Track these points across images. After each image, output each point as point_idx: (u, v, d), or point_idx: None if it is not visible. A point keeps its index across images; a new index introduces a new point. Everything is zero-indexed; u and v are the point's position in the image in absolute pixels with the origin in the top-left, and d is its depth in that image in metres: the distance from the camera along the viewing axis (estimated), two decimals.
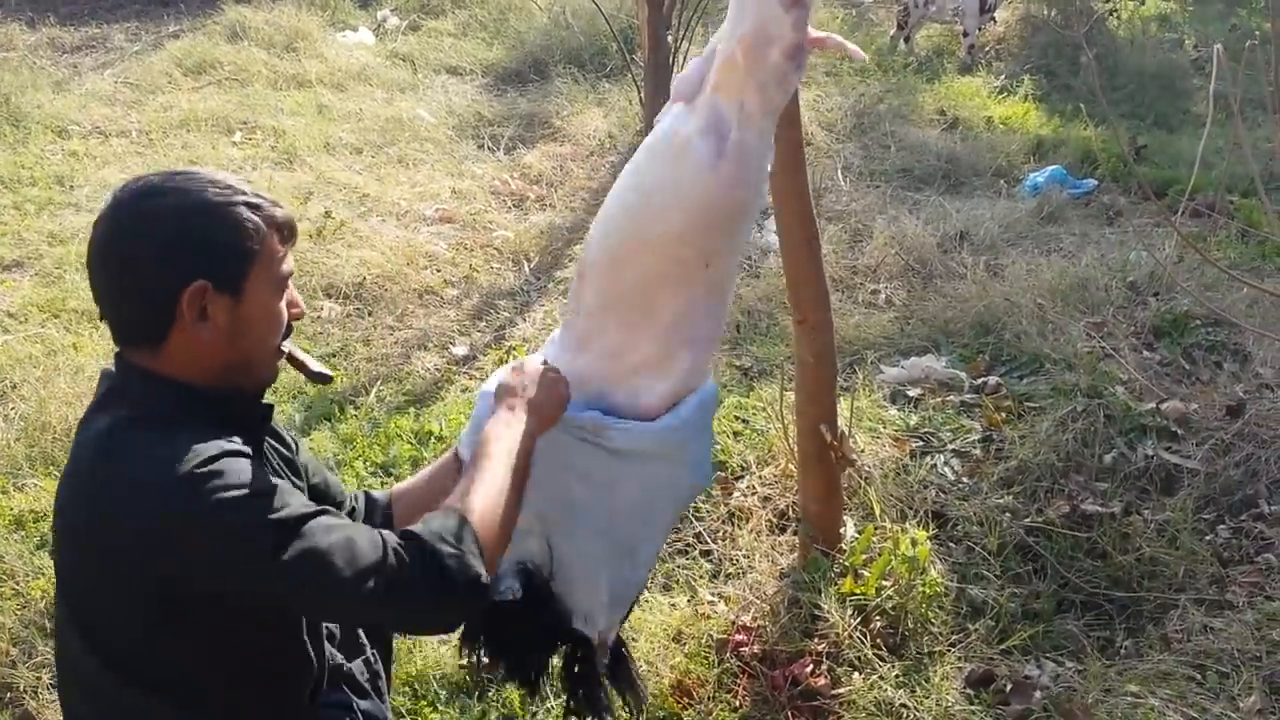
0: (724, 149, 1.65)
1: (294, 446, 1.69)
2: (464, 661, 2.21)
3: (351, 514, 1.80)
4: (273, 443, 1.62)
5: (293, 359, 1.63)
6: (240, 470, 1.35)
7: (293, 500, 1.37)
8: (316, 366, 1.67)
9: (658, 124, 1.75)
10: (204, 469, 1.32)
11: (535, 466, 1.67)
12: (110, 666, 1.45)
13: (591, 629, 1.89)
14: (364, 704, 1.71)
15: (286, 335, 1.54)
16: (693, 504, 3.08)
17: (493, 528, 1.46)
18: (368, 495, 1.87)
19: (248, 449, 1.40)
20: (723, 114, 1.64)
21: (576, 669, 1.92)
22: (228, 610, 1.40)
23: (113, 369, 1.48)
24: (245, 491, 1.32)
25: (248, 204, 1.44)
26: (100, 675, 1.45)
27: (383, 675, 1.80)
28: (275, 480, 1.39)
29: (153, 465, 1.33)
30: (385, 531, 1.39)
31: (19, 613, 2.66)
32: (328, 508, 1.41)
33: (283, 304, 1.51)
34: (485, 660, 1.93)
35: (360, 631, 1.76)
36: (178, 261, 1.39)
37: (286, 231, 1.49)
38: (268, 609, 1.44)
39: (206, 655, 1.43)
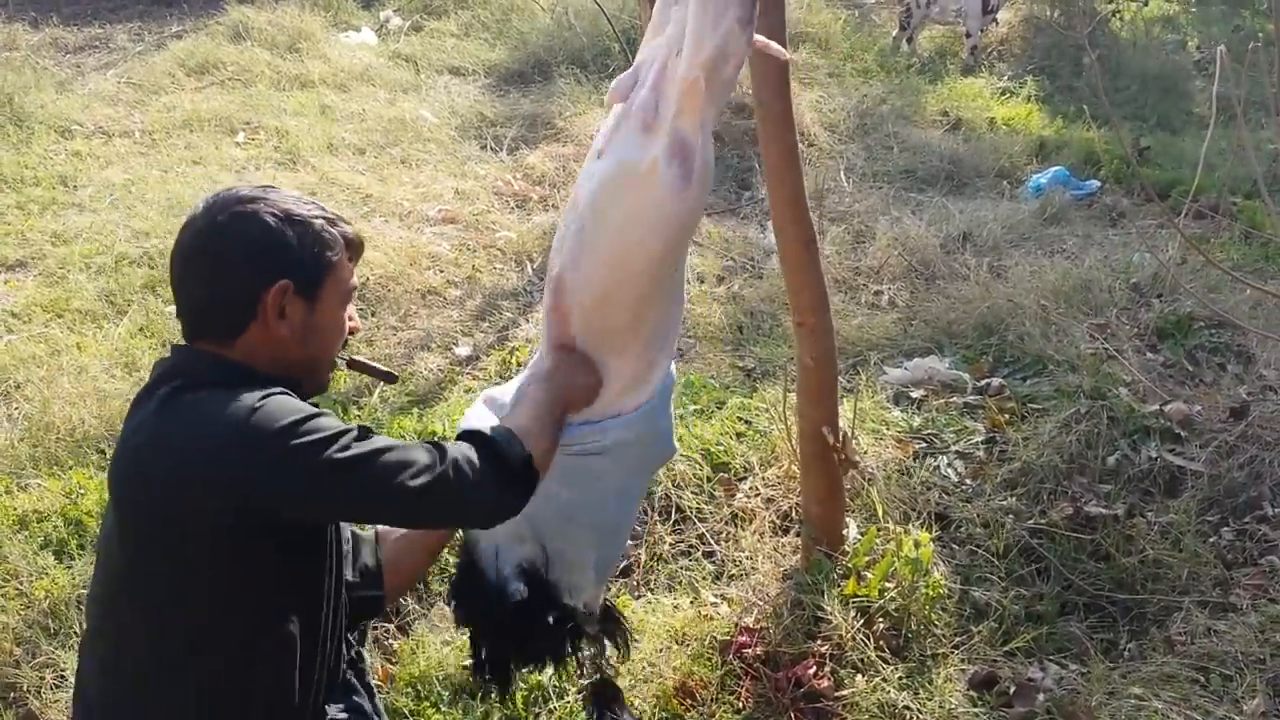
0: (691, 172, 1.70)
1: None
2: (475, 679, 2.26)
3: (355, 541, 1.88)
4: None
5: (358, 364, 1.84)
6: (295, 402, 1.48)
7: (343, 422, 1.48)
8: (382, 368, 1.88)
9: (606, 153, 1.76)
10: (262, 403, 1.44)
11: None
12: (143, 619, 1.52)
13: (578, 599, 1.98)
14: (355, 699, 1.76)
15: (345, 345, 1.68)
16: (695, 506, 3.09)
17: (531, 436, 1.60)
18: (355, 535, 1.91)
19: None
20: (687, 138, 1.69)
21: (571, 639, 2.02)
22: (270, 556, 1.50)
23: (167, 357, 1.60)
24: (304, 413, 1.45)
25: (326, 219, 1.58)
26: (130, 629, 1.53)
27: (366, 671, 1.86)
28: (318, 410, 1.49)
29: (212, 414, 1.44)
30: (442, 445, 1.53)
31: (22, 613, 2.66)
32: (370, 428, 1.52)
33: (345, 316, 1.65)
34: (496, 677, 2.00)
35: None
36: (265, 262, 1.53)
37: (356, 248, 1.63)
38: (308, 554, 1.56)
39: (223, 605, 1.50)
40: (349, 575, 1.79)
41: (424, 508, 1.52)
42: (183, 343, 1.60)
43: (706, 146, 1.73)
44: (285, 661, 1.56)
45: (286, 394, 1.49)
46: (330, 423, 1.46)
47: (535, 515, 1.85)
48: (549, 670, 2.13)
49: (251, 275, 1.53)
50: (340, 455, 1.43)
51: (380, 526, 1.96)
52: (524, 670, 2.06)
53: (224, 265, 1.54)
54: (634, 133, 1.71)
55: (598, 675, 2.13)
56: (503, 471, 1.54)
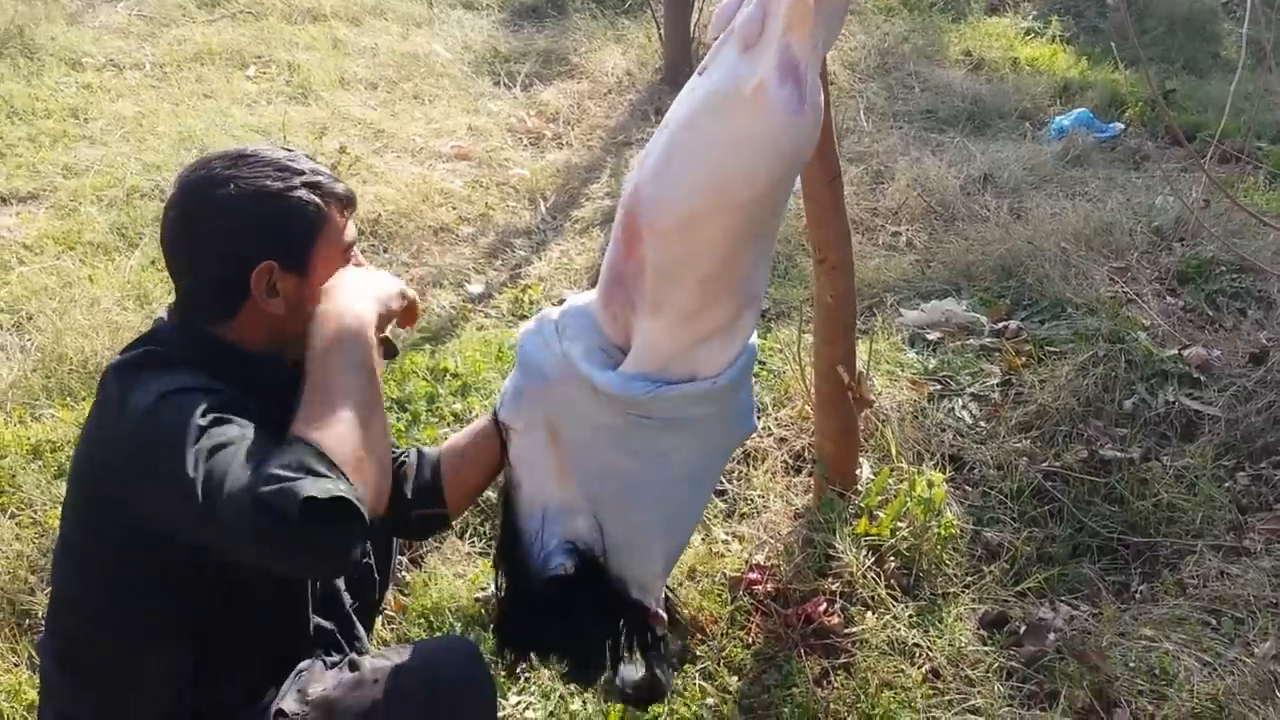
0: (804, 93, 1.52)
1: None
2: (503, 665, 2.13)
3: (401, 468, 1.84)
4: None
5: None
6: (195, 400, 1.37)
7: (227, 431, 1.34)
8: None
9: (708, 71, 1.62)
10: (168, 396, 1.38)
11: (580, 448, 1.67)
12: (91, 601, 1.52)
13: (648, 597, 1.83)
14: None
15: None
16: None
17: (350, 443, 1.33)
18: (420, 452, 1.89)
19: (224, 390, 1.43)
20: (796, 56, 1.51)
21: (635, 639, 1.86)
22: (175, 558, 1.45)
23: (164, 316, 1.58)
24: (181, 420, 1.34)
25: (306, 184, 1.52)
26: (80, 609, 1.54)
27: (362, 636, 1.80)
28: (231, 417, 1.37)
29: (143, 395, 1.40)
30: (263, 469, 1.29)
31: (37, 541, 2.68)
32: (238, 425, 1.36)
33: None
34: (524, 658, 1.92)
35: (343, 589, 1.77)
36: (244, 247, 1.49)
37: (345, 202, 1.57)
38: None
39: (162, 595, 1.49)
40: (406, 492, 1.79)
41: (207, 534, 1.33)
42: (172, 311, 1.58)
43: (815, 72, 1.56)
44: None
45: (197, 391, 1.39)
46: (194, 425, 1.33)
47: (590, 486, 1.72)
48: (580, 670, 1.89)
49: (232, 261, 1.49)
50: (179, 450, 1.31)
51: (449, 453, 1.88)
52: (551, 658, 1.91)
53: (203, 254, 1.51)
54: (739, 51, 1.55)
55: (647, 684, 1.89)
56: (278, 527, 1.24)
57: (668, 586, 2.01)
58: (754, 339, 1.77)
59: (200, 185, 1.51)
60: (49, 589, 2.51)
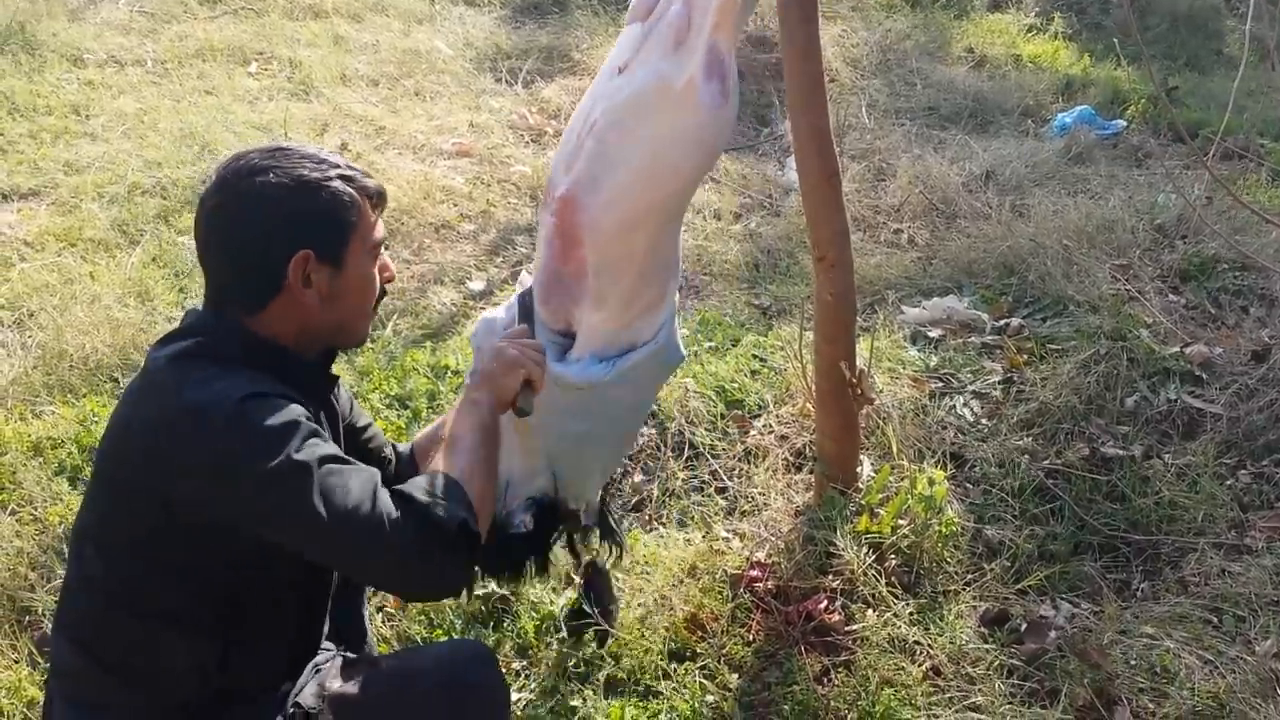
0: (728, 88, 1.64)
1: (347, 410, 1.81)
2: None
3: (389, 464, 1.91)
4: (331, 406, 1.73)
5: None
6: (279, 409, 1.44)
7: (318, 446, 1.44)
8: None
9: (630, 70, 1.70)
10: (250, 401, 1.42)
11: (542, 425, 1.79)
12: (109, 597, 1.53)
13: (581, 504, 2.04)
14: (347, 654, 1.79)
15: (380, 298, 1.67)
16: (708, 442, 3.08)
17: (472, 482, 1.50)
18: (395, 448, 1.98)
19: (298, 398, 1.50)
20: (722, 52, 1.62)
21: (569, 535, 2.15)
22: (221, 546, 1.48)
23: (199, 309, 1.60)
24: (276, 427, 1.41)
25: (341, 177, 1.55)
26: (106, 595, 1.53)
27: (369, 631, 1.91)
28: (311, 425, 1.46)
29: (208, 391, 1.43)
30: (383, 492, 1.44)
31: (37, 538, 2.68)
32: (346, 457, 1.48)
33: (376, 269, 1.62)
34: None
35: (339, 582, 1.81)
36: (283, 235, 1.51)
37: (377, 199, 1.60)
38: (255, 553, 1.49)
39: (194, 584, 1.51)
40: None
41: (351, 556, 1.44)
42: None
43: (734, 65, 1.67)
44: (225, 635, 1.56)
45: (269, 397, 1.45)
46: (291, 438, 1.42)
47: (548, 448, 1.88)
48: (532, 572, 2.18)
49: (270, 249, 1.52)
50: (275, 466, 1.39)
51: (420, 440, 1.99)
52: (509, 574, 2.15)
53: (241, 242, 1.53)
54: (665, 48, 1.63)
55: (590, 565, 2.23)
56: (444, 544, 1.44)
57: (602, 495, 2.22)
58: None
59: (239, 174, 1.52)
60: (50, 583, 2.53)
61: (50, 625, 2.41)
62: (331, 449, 1.46)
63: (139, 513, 1.48)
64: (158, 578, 1.50)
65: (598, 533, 2.21)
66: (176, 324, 1.63)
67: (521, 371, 1.65)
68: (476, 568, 2.02)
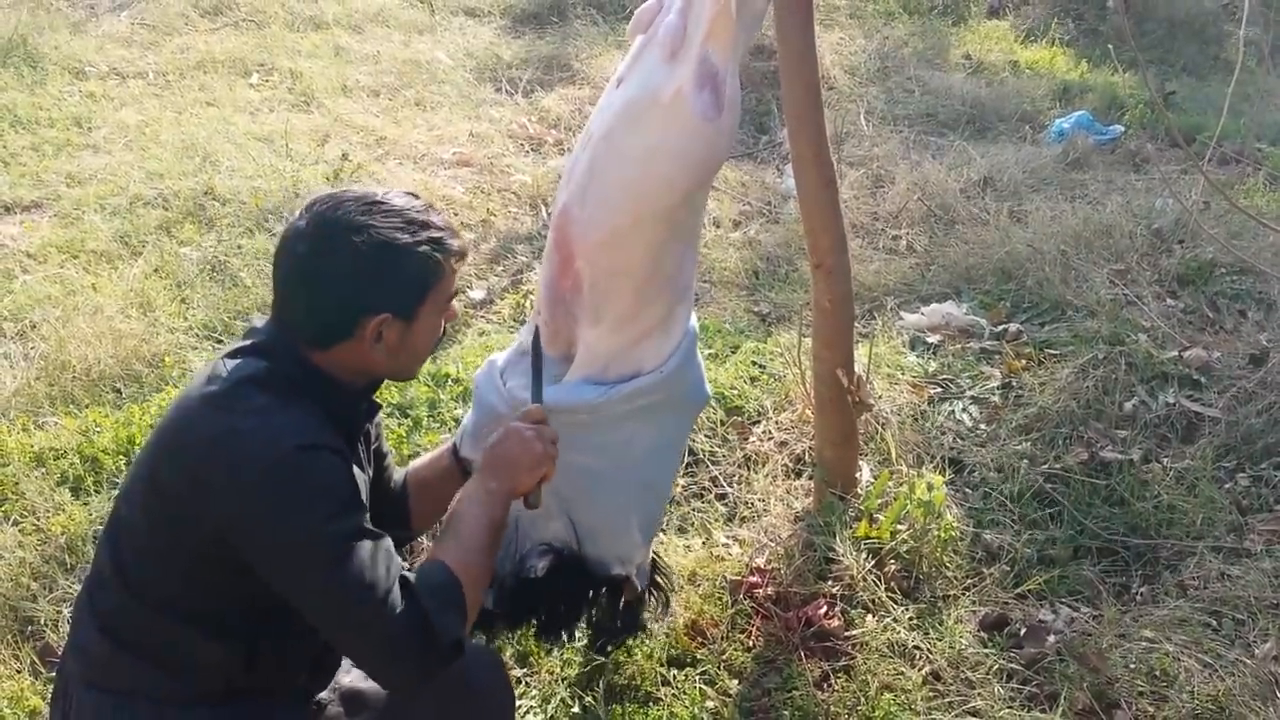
0: (721, 99, 1.62)
1: (376, 434, 1.84)
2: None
3: (395, 490, 1.94)
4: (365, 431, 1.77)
5: None
6: (325, 470, 1.49)
7: (352, 517, 1.48)
8: None
9: (625, 82, 1.68)
10: (303, 453, 1.46)
11: None
12: (142, 592, 1.55)
13: (629, 567, 1.98)
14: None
15: (440, 341, 1.70)
16: (708, 449, 3.09)
17: (472, 586, 1.55)
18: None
19: (344, 448, 1.55)
20: (716, 65, 1.61)
21: (615, 605, 2.11)
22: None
23: (260, 329, 1.63)
24: (316, 489, 1.47)
25: (431, 239, 1.57)
26: (136, 586, 1.56)
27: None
28: (350, 489, 1.51)
29: (264, 426, 1.47)
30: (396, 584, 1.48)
31: (40, 548, 2.69)
32: (378, 532, 1.52)
33: (443, 319, 1.66)
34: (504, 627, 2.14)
35: None
36: (365, 297, 1.55)
37: (459, 258, 1.63)
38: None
39: (230, 599, 1.54)
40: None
41: (350, 638, 1.50)
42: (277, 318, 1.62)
43: (735, 77, 1.65)
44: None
45: (320, 451, 1.49)
46: (340, 512, 1.47)
47: (560, 492, 1.82)
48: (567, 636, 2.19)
49: (351, 306, 1.55)
50: (321, 547, 1.44)
51: (418, 472, 2.00)
52: (515, 622, 2.13)
53: (324, 294, 1.55)
54: (658, 59, 1.62)
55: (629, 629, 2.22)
56: (432, 656, 1.48)
57: (655, 551, 2.19)
58: (693, 321, 1.93)
59: (334, 227, 1.54)
60: (52, 594, 2.54)
61: (71, 613, 2.43)
62: (361, 519, 1.50)
63: (173, 517, 1.51)
64: (185, 580, 1.53)
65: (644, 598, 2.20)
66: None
67: (543, 469, 1.67)
68: (492, 619, 2.06)
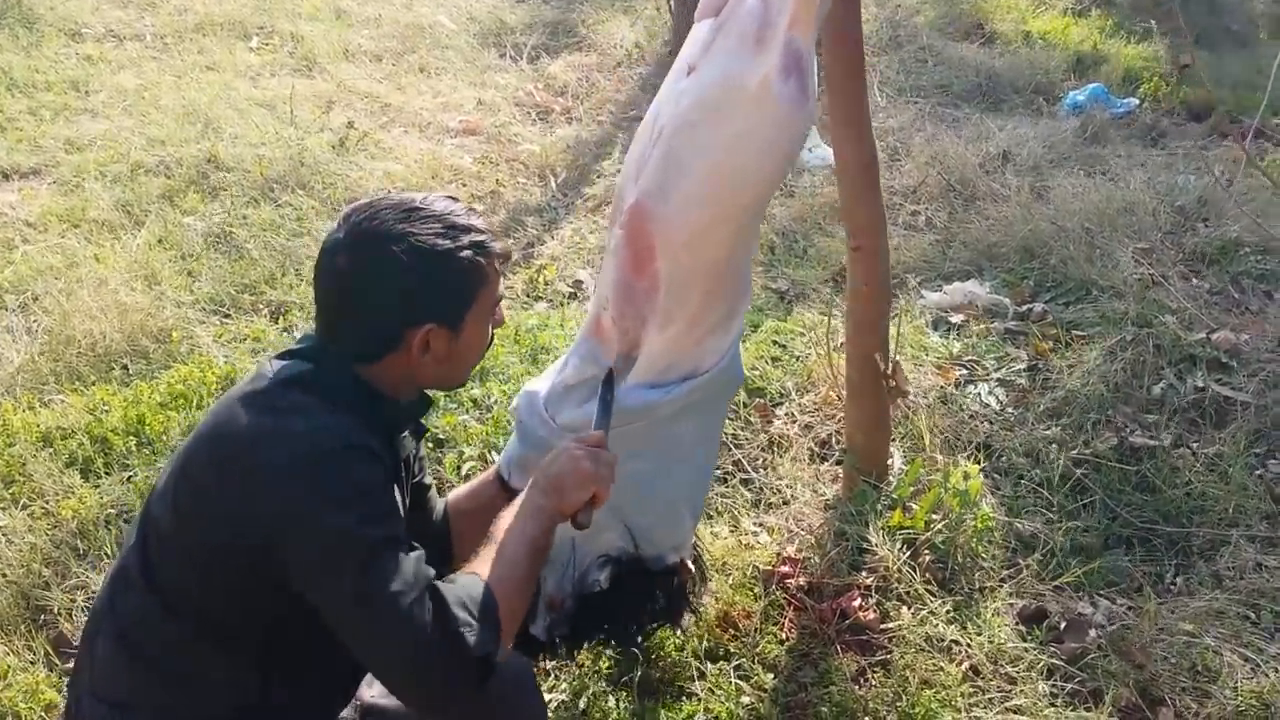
0: (807, 86, 1.56)
1: (420, 468, 1.80)
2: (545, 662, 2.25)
3: (433, 518, 1.89)
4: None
5: None
6: (370, 470, 1.43)
7: (387, 524, 1.42)
8: None
9: (699, 70, 1.60)
10: (347, 453, 1.41)
11: None
12: (164, 595, 1.49)
13: (684, 551, 1.97)
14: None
15: (489, 346, 1.65)
16: (731, 432, 3.02)
17: (507, 602, 1.45)
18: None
19: (385, 456, 1.50)
20: (801, 50, 1.54)
21: (669, 589, 2.07)
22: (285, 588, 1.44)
23: (309, 346, 1.57)
24: (360, 484, 1.40)
25: (472, 244, 1.52)
26: (158, 587, 1.49)
27: None
28: (391, 499, 1.46)
29: (306, 425, 1.42)
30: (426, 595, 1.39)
31: (50, 533, 2.61)
32: (412, 544, 1.45)
33: (490, 325, 1.61)
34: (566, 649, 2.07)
35: None
36: (410, 307, 1.50)
37: (502, 261, 1.58)
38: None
39: (248, 608, 1.48)
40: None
41: (373, 648, 1.39)
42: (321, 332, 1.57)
43: (814, 62, 1.59)
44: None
45: (367, 452, 1.44)
46: (375, 517, 1.40)
47: (613, 503, 1.74)
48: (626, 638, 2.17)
49: (396, 319, 1.51)
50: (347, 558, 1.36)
51: (458, 502, 1.94)
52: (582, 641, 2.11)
53: (367, 307, 1.51)
54: (739, 46, 1.55)
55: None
56: (461, 675, 1.38)
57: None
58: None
59: (371, 237, 1.48)
60: (65, 581, 2.47)
61: (67, 625, 2.36)
62: (394, 528, 1.43)
63: (209, 516, 1.44)
64: (208, 586, 1.46)
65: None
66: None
67: (592, 488, 1.59)
68: (555, 640, 2.02)
